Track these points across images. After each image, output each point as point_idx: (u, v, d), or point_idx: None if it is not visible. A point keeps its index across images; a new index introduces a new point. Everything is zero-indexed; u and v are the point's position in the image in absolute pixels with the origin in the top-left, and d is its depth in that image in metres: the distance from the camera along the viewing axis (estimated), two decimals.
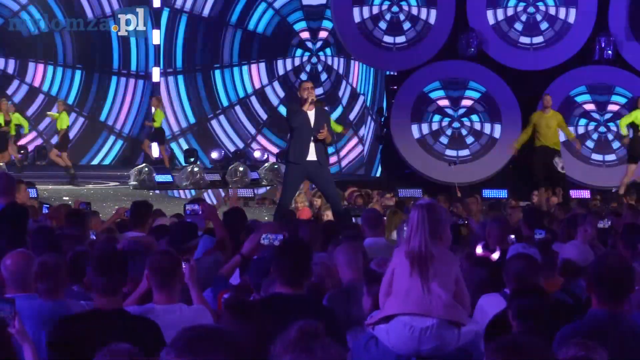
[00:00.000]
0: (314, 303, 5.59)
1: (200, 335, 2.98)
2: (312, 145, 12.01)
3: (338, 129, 17.69)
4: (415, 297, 5.19)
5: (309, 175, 12.48)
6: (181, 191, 19.63)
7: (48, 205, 10.36)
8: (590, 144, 20.42)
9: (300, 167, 12.13)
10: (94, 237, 8.65)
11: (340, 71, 25.44)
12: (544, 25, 20.43)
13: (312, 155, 12.04)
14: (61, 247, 6.63)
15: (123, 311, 5.16)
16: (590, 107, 20.40)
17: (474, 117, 20.54)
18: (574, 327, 4.72)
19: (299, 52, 25.83)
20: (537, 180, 17.46)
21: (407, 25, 20.51)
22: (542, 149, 17.35)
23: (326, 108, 15.20)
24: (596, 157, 20.43)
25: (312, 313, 5.24)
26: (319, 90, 25.80)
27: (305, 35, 25.66)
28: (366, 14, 20.57)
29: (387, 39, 20.56)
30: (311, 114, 12.07)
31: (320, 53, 25.66)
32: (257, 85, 25.85)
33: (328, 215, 12.79)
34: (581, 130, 20.42)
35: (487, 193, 17.32)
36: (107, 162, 26.49)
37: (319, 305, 5.63)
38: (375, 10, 20.57)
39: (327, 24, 24.92)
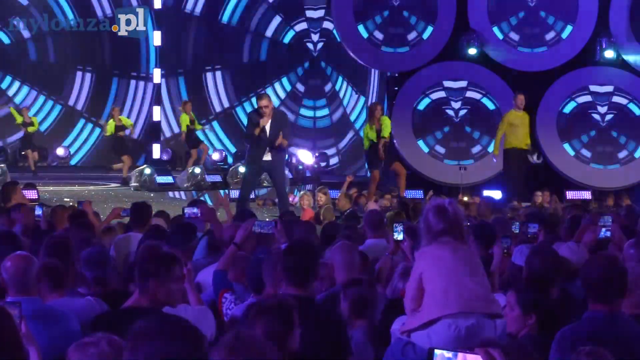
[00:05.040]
0: (319, 304, 5.58)
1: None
2: (267, 151, 13.47)
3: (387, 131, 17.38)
4: (455, 297, 5.22)
5: (267, 170, 14.06)
6: (182, 192, 19.60)
7: (42, 207, 10.27)
8: (591, 145, 20.42)
9: (256, 166, 13.73)
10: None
11: (341, 72, 25.44)
12: (544, 26, 20.43)
13: (267, 157, 13.54)
14: (69, 249, 6.60)
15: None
16: (591, 108, 20.40)
17: (475, 118, 20.54)
18: (571, 329, 4.73)
19: (300, 52, 25.82)
20: (515, 182, 17.43)
21: (408, 27, 20.50)
22: (514, 152, 17.34)
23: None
24: (597, 158, 20.43)
25: (317, 314, 5.26)
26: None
27: (306, 35, 25.66)
28: (367, 15, 20.57)
29: (388, 39, 20.56)
30: (267, 126, 13.36)
31: (321, 53, 25.65)
32: (258, 87, 25.83)
33: (326, 216, 12.82)
34: (582, 131, 20.41)
35: (489, 194, 17.34)
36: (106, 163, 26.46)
37: (322, 308, 5.63)
38: (376, 12, 20.58)
39: (328, 24, 24.93)
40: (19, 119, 22.58)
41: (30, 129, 22.59)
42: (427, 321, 5.23)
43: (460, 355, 3.06)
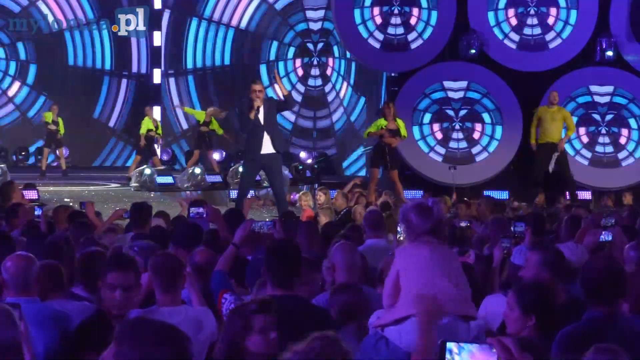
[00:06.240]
0: (305, 303, 5.59)
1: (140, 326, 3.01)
2: (265, 139, 13.23)
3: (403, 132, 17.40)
4: None
5: (264, 168, 13.75)
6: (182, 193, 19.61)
7: (41, 207, 10.27)
8: (591, 145, 20.41)
9: (254, 162, 13.47)
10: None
11: (342, 72, 25.45)
12: (545, 27, 20.43)
13: (266, 149, 13.26)
14: (69, 250, 6.60)
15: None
16: (591, 108, 20.40)
17: (475, 119, 20.54)
18: (571, 330, 4.73)
19: (299, 53, 25.83)
20: (536, 180, 17.45)
21: (408, 27, 20.51)
22: (544, 146, 17.41)
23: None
24: (597, 158, 20.42)
25: (304, 313, 5.26)
26: (320, 92, 25.84)
27: (306, 36, 25.67)
28: (367, 16, 20.58)
29: (389, 40, 20.56)
30: (260, 114, 13.21)
31: (321, 54, 25.66)
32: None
33: (323, 217, 12.80)
34: (582, 131, 20.42)
35: (489, 194, 17.31)
36: (107, 163, 26.49)
37: (310, 306, 5.63)
38: (376, 11, 20.59)
39: (328, 25, 24.92)
40: (49, 118, 22.42)
41: (51, 127, 22.40)
42: (399, 318, 5.24)
43: (471, 346, 3.05)
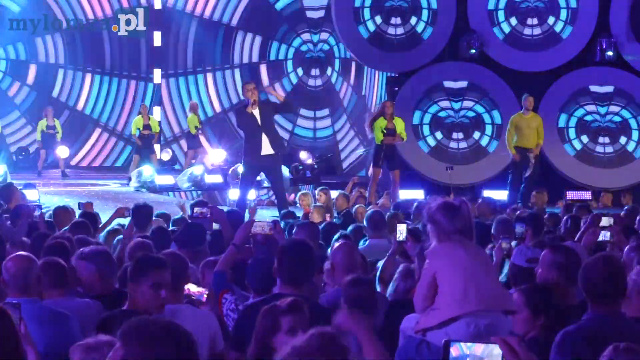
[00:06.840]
0: (313, 303, 5.59)
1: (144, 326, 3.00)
2: (264, 140, 13.19)
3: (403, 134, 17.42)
4: (474, 295, 5.20)
5: (264, 170, 13.73)
6: (182, 193, 19.60)
7: (41, 207, 10.28)
8: (591, 145, 20.42)
9: (255, 164, 13.41)
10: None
11: (341, 72, 25.43)
12: (545, 27, 20.44)
13: (266, 150, 13.22)
14: (69, 250, 6.59)
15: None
16: (591, 108, 20.40)
17: (475, 119, 20.54)
18: (572, 330, 4.72)
19: (300, 53, 25.82)
20: (514, 183, 17.45)
21: (408, 27, 20.51)
22: (522, 151, 17.33)
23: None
24: (597, 158, 20.43)
25: (310, 313, 5.26)
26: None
27: (306, 36, 25.66)
28: (367, 16, 20.58)
29: (389, 40, 20.56)
30: (257, 113, 13.19)
31: (322, 54, 25.65)
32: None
33: (317, 215, 12.78)
34: (582, 131, 20.42)
35: (489, 194, 17.30)
36: (107, 164, 26.46)
37: (317, 306, 5.63)
38: (377, 11, 20.59)
39: (328, 25, 24.91)
40: (43, 125, 22.37)
41: (49, 132, 22.36)
42: (446, 319, 5.21)
43: (476, 346, 3.05)
